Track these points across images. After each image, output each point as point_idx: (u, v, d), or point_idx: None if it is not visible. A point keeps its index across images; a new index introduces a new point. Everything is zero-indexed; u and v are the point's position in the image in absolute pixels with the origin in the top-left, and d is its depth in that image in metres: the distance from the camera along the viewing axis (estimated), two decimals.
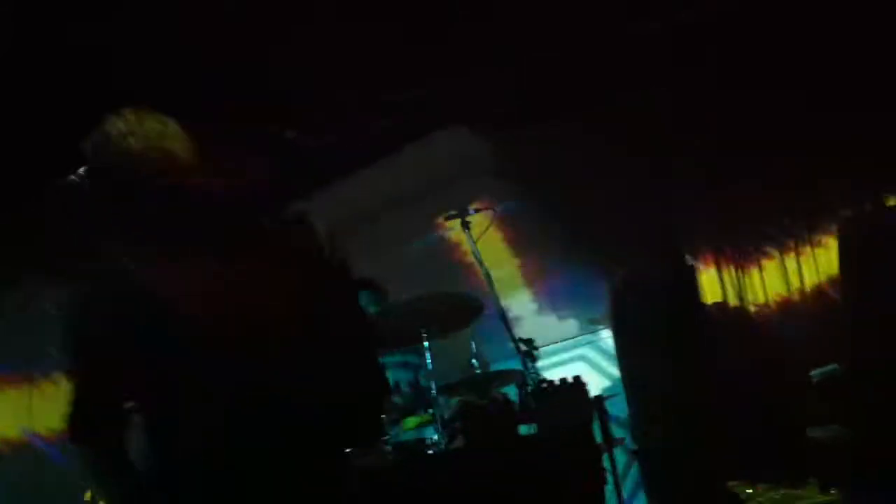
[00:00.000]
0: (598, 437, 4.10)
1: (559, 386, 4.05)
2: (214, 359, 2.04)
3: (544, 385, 4.14)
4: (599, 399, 4.14)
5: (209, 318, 2.04)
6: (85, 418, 2.10)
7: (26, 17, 4.35)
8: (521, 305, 6.59)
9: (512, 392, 4.62)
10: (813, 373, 4.48)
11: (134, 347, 2.03)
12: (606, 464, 4.07)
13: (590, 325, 6.59)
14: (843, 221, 4.94)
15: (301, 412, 2.10)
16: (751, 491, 4.51)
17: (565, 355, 6.56)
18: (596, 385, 6.26)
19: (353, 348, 2.23)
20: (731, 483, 4.62)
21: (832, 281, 5.18)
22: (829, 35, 5.08)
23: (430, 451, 4.43)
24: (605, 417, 4.08)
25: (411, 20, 4.89)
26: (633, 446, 5.42)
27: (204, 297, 2.05)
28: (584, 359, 6.57)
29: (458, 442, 4.08)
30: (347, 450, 3.78)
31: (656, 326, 5.31)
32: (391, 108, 5.61)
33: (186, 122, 2.23)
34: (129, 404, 2.12)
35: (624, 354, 5.64)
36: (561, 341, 6.63)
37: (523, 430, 4.12)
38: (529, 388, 4.16)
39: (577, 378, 4.09)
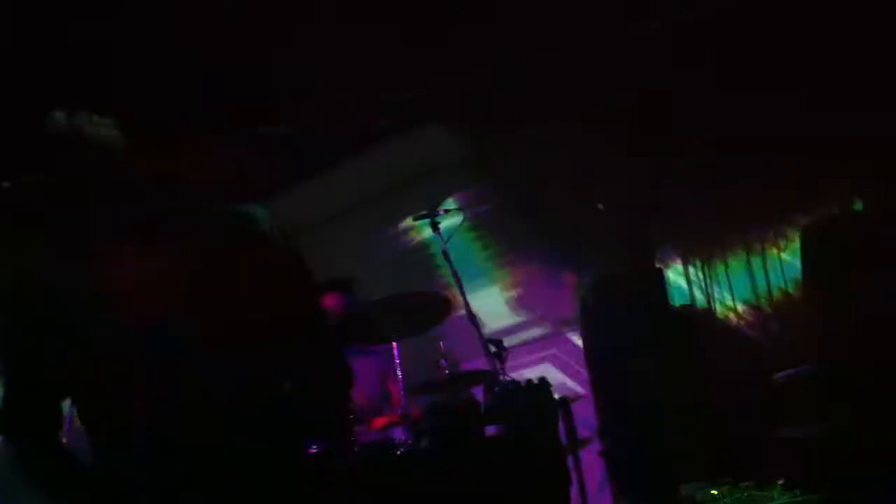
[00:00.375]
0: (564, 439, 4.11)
1: (525, 387, 4.05)
2: (163, 354, 2.01)
3: (510, 386, 4.14)
4: (565, 401, 4.14)
5: (152, 310, 2.01)
6: (21, 411, 2.06)
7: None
8: (491, 305, 6.60)
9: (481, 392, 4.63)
10: (780, 374, 4.51)
11: (71, 340, 2.00)
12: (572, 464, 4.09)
13: (559, 326, 6.61)
14: (806, 225, 4.97)
15: (259, 407, 2.08)
16: (716, 492, 4.53)
17: (535, 356, 6.58)
18: (565, 386, 6.31)
19: (314, 342, 2.21)
20: (697, 483, 4.64)
21: (797, 283, 5.22)
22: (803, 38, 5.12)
23: (398, 452, 4.42)
24: (570, 419, 4.09)
25: (388, 21, 4.89)
26: (601, 447, 5.44)
27: (146, 290, 2.03)
28: (553, 359, 6.59)
29: (425, 442, 4.07)
30: (314, 448, 3.79)
31: (624, 328, 5.33)
32: (376, 106, 5.61)
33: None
34: (68, 401, 2.09)
35: (592, 356, 5.66)
36: (530, 342, 6.65)
37: (489, 431, 4.11)
38: (496, 389, 4.16)
39: (542, 379, 4.08)
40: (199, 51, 4.69)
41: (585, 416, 5.61)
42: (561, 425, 4.10)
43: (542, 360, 6.59)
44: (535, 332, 6.73)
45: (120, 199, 2.06)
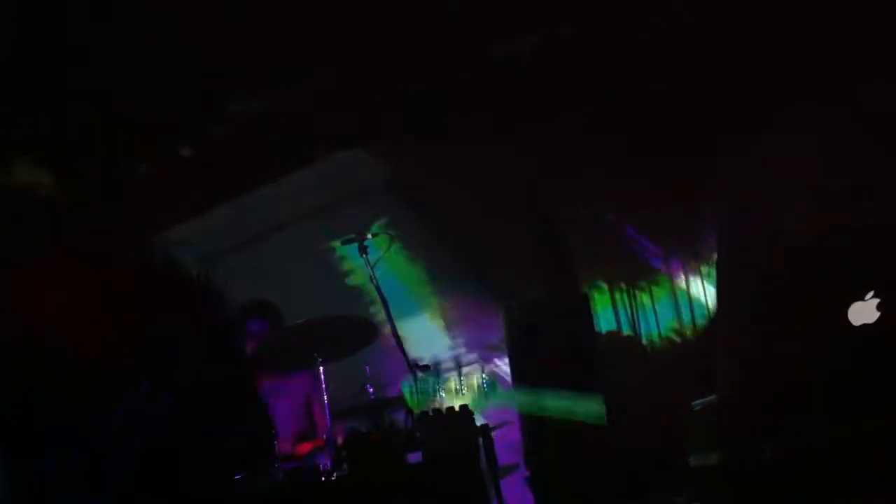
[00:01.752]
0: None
1: (445, 414, 4.06)
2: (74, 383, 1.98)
3: (430, 413, 4.14)
4: (486, 427, 4.15)
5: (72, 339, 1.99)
6: None
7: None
8: (418, 330, 6.60)
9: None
10: (694, 403, 4.59)
11: None
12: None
13: (486, 352, 6.63)
14: (719, 258, 5.08)
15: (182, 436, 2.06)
16: None
17: (461, 381, 6.56)
18: (491, 412, 6.32)
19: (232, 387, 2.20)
20: None
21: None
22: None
23: (322, 478, 4.39)
24: (490, 445, 4.10)
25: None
26: (527, 472, 5.46)
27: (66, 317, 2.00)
28: (480, 385, 6.59)
29: (345, 469, 4.06)
30: (238, 475, 3.76)
31: (550, 354, 5.38)
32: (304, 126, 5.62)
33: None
34: None
35: (518, 381, 5.68)
36: (457, 367, 6.65)
37: (410, 457, 4.11)
38: (417, 416, 4.16)
39: (463, 406, 4.10)
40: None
41: (513, 442, 5.63)
42: (482, 452, 4.11)
43: (469, 385, 6.59)
44: (462, 357, 6.74)
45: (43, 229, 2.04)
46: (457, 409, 4.04)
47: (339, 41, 5.21)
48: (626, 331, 5.93)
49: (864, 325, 3.72)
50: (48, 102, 4.47)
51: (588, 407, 5.26)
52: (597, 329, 5.77)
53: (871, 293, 3.69)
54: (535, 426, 5.49)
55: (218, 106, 5.56)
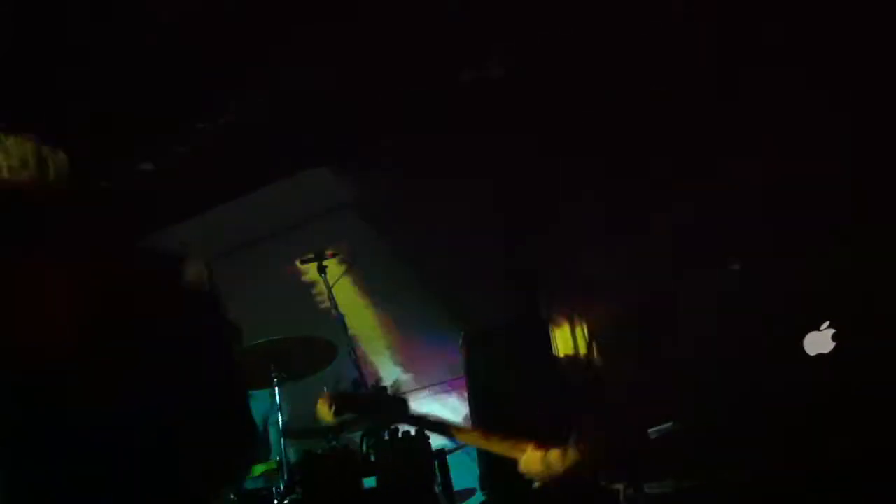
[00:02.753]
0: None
1: (401, 438, 4.03)
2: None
3: (384, 437, 4.11)
4: (441, 452, 4.13)
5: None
6: None
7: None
8: (377, 352, 6.57)
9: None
10: (651, 430, 4.58)
11: None
12: None
13: (445, 377, 6.60)
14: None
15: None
16: None
17: (420, 405, 6.54)
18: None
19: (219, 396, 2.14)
20: None
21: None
22: None
23: (274, 501, 4.33)
24: (445, 469, 4.07)
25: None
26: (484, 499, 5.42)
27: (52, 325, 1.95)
28: (438, 409, 6.56)
29: (299, 492, 4.00)
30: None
31: (508, 381, 5.35)
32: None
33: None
34: None
35: (475, 406, 5.65)
36: (416, 390, 6.63)
37: (364, 481, 4.06)
38: (371, 440, 4.13)
39: (418, 430, 4.07)
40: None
41: (470, 467, 5.59)
42: (437, 477, 4.08)
43: (428, 409, 6.56)
44: (420, 381, 6.71)
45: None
46: (412, 432, 4.01)
47: (304, 60, 5.20)
48: (584, 356, 5.92)
49: (820, 355, 3.74)
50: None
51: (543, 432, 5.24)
52: (555, 353, 5.76)
53: (827, 323, 3.71)
54: (490, 452, 5.45)
55: (180, 124, 5.52)
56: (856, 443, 3.70)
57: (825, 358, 3.69)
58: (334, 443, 4.69)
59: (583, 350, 5.87)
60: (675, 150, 5.28)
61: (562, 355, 5.82)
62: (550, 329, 5.80)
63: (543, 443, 4.39)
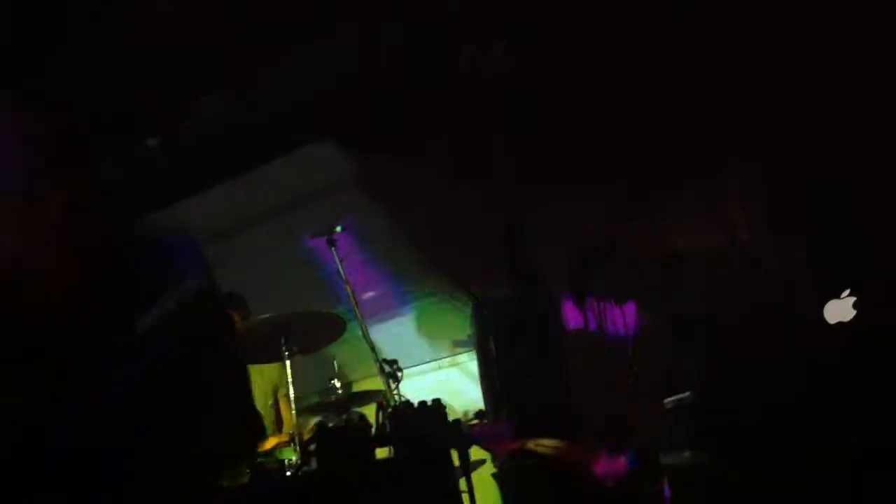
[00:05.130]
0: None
1: (417, 408, 4.01)
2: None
3: (401, 408, 4.09)
4: (458, 422, 4.11)
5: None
6: None
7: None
8: (387, 325, 6.56)
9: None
10: (668, 400, 4.58)
11: None
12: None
13: (455, 348, 6.60)
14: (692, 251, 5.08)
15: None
16: None
17: (430, 377, 6.54)
18: (460, 407, 6.29)
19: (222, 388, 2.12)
20: None
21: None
22: None
23: (287, 473, 4.32)
24: (463, 441, 4.05)
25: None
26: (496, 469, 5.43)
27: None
28: (448, 381, 6.57)
29: (314, 464, 3.99)
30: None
31: (518, 352, 5.35)
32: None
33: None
34: None
35: (486, 378, 5.65)
36: (426, 363, 6.62)
37: (379, 453, 4.05)
38: (388, 410, 4.11)
39: (436, 401, 4.04)
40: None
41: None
42: (454, 448, 4.06)
43: (438, 381, 6.56)
44: (431, 353, 6.71)
45: None
46: (429, 403, 3.99)
47: (313, 37, 5.16)
48: (594, 328, 5.91)
49: (840, 324, 3.73)
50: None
51: (553, 405, 5.24)
52: (565, 326, 5.75)
53: (848, 291, 3.70)
54: (502, 423, 5.46)
55: (187, 100, 5.48)
56: (872, 415, 3.70)
57: (845, 327, 3.69)
58: (345, 415, 4.70)
59: (592, 323, 5.87)
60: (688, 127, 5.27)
61: (572, 327, 5.82)
62: (560, 300, 5.79)
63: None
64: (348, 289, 5.01)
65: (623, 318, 5.83)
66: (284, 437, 5.04)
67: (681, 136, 5.36)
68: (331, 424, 4.16)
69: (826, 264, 3.84)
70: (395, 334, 6.60)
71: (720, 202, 5.19)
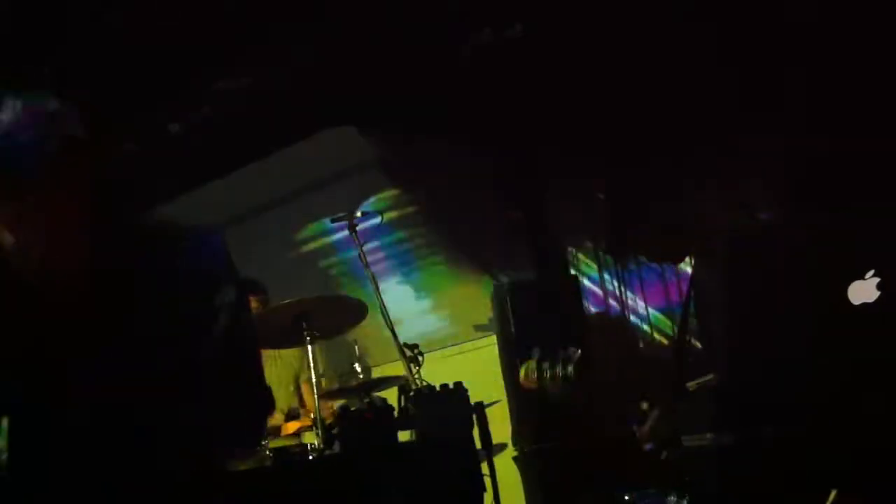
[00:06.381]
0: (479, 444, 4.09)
1: (439, 392, 4.02)
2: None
3: (424, 391, 4.10)
4: (480, 405, 4.11)
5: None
6: None
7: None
8: (408, 310, 6.56)
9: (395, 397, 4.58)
10: (691, 383, 4.56)
11: None
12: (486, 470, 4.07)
13: (476, 331, 6.59)
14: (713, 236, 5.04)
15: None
16: (627, 497, 4.56)
17: (451, 360, 6.53)
18: (481, 391, 6.29)
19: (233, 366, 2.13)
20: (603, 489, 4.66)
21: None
22: None
23: (310, 457, 4.34)
24: (485, 423, 4.06)
25: None
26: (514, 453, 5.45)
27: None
28: (470, 364, 6.55)
29: (336, 447, 4.01)
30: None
31: (538, 335, 5.33)
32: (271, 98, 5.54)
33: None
34: None
35: (507, 361, 5.65)
36: (447, 346, 6.61)
37: (402, 436, 4.07)
38: (410, 394, 4.12)
39: (458, 384, 4.05)
40: None
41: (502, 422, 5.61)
42: (476, 430, 4.07)
43: (459, 364, 6.55)
44: (452, 336, 6.70)
45: None
46: (451, 386, 4.00)
47: (327, 20, 5.15)
48: (616, 311, 5.91)
49: (864, 304, 3.69)
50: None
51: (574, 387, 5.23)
52: (585, 309, 5.75)
53: (872, 272, 3.65)
54: (522, 406, 5.47)
55: (203, 84, 5.48)
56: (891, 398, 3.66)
57: (869, 308, 3.65)
58: (367, 399, 4.71)
59: (613, 305, 5.88)
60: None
61: (593, 310, 5.83)
62: (581, 283, 5.80)
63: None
64: (369, 272, 5.01)
65: (644, 297, 5.83)
66: (307, 422, 5.06)
67: (698, 116, 5.33)
68: (353, 408, 4.18)
69: (849, 245, 3.80)
70: (416, 316, 6.60)
71: (739, 181, 5.16)
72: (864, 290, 3.74)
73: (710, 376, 4.47)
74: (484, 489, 3.84)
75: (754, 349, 4.29)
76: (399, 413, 4.07)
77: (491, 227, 6.07)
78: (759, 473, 4.01)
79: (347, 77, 5.40)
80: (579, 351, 3.70)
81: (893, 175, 4.27)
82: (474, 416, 4.01)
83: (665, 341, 5.66)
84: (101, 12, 4.69)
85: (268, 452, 4.19)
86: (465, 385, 4.12)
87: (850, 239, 3.86)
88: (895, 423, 3.64)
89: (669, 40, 5.07)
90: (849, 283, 3.73)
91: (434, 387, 4.07)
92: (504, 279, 5.96)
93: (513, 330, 5.47)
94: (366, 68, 5.34)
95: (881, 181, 4.28)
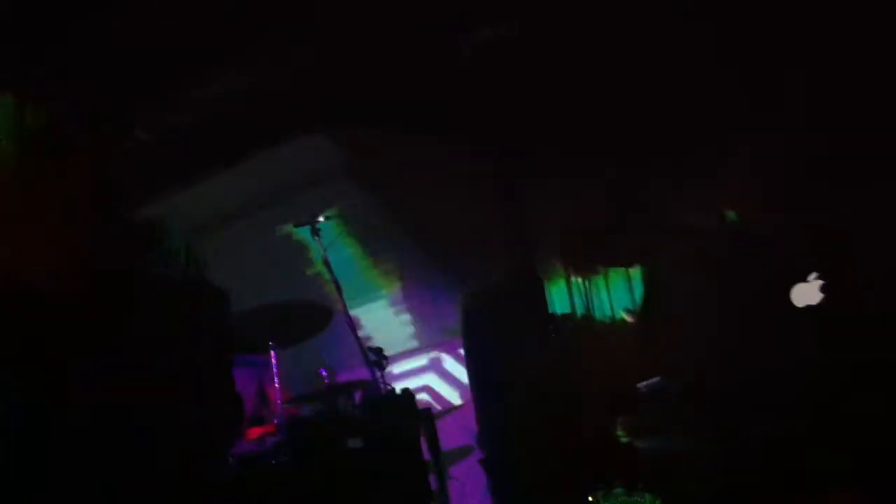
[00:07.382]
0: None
1: (387, 398, 4.02)
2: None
3: (379, 397, 4.10)
4: (428, 412, 4.11)
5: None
6: None
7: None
8: (373, 314, 6.55)
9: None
10: (641, 384, 4.57)
11: None
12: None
13: (442, 334, 6.59)
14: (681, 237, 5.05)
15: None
16: (591, 498, 4.56)
17: (416, 364, 6.54)
18: (447, 394, 6.30)
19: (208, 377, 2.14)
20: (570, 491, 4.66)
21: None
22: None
23: (272, 462, 4.35)
24: (433, 430, 4.05)
25: None
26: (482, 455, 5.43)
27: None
28: (435, 368, 6.56)
29: (288, 454, 4.02)
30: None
31: (505, 337, 5.34)
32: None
33: None
34: None
35: (473, 364, 5.65)
36: (412, 350, 6.62)
37: (351, 443, 4.06)
38: (356, 401, 4.13)
39: (405, 390, 4.06)
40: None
41: (468, 425, 5.60)
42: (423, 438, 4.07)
43: (424, 368, 6.56)
44: (417, 340, 6.70)
45: None
46: (398, 392, 4.00)
47: (299, 27, 5.15)
48: (581, 314, 5.90)
49: (808, 307, 3.70)
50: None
51: (541, 389, 5.24)
52: (551, 312, 5.74)
53: (815, 274, 3.66)
54: (488, 409, 5.46)
55: (175, 92, 5.48)
56: (847, 397, 3.66)
57: (813, 310, 3.65)
58: (332, 405, 4.71)
59: (579, 308, 5.86)
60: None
61: (558, 313, 5.81)
62: (545, 287, 5.78)
63: None
64: (333, 277, 5.01)
65: (610, 298, 5.82)
66: (271, 427, 5.06)
67: (677, 118, 5.32)
68: (303, 415, 4.19)
69: (796, 248, 3.81)
70: (381, 321, 6.59)
71: (716, 183, 5.16)
72: (807, 293, 3.75)
73: (656, 379, 4.48)
74: (430, 496, 3.84)
75: (717, 351, 4.30)
76: (349, 420, 4.07)
77: (460, 233, 6.06)
78: (713, 472, 4.02)
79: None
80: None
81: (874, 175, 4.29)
82: (421, 424, 4.01)
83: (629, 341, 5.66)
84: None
85: (231, 459, 4.20)
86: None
87: (796, 242, 3.88)
88: (871, 424, 3.65)
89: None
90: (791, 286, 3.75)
91: (383, 393, 4.07)
92: (469, 282, 5.96)
93: (478, 335, 5.49)
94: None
95: (860, 182, 4.29)
